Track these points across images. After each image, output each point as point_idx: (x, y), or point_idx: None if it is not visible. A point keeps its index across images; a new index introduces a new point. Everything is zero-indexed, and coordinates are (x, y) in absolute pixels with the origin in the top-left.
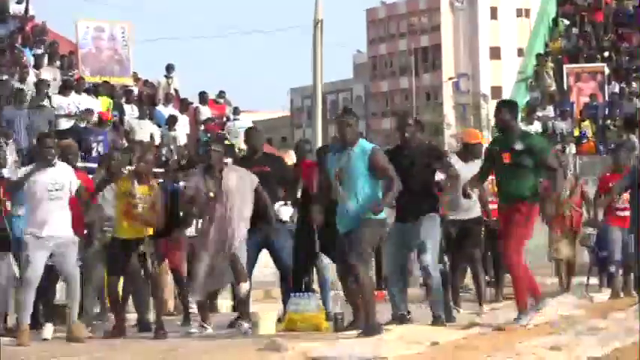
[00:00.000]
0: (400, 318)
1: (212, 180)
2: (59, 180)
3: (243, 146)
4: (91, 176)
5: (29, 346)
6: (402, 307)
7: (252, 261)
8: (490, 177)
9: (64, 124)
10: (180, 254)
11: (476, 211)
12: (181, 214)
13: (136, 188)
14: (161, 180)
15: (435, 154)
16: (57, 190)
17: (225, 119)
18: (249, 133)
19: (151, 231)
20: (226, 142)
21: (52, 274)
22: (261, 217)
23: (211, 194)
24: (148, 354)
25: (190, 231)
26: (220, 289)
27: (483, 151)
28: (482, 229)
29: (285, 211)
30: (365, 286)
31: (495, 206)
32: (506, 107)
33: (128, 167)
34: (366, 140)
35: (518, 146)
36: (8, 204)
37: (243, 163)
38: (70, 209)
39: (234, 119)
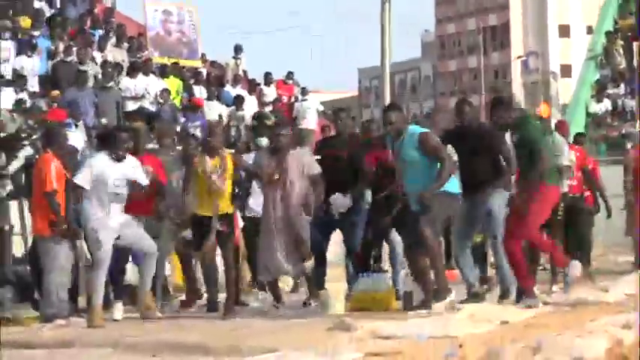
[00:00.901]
0: (475, 295)
1: (276, 162)
2: (126, 175)
3: (312, 126)
4: None
5: (103, 327)
6: (475, 283)
7: (322, 240)
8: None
9: (131, 105)
10: (237, 232)
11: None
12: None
13: (208, 164)
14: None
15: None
16: (121, 186)
17: (293, 99)
18: (337, 115)
19: (227, 209)
20: (267, 122)
21: (121, 254)
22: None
23: (276, 176)
24: (214, 334)
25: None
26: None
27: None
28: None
29: (341, 202)
30: (434, 252)
31: (572, 182)
32: (498, 106)
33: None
34: (418, 125)
35: (514, 138)
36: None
37: (325, 143)
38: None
39: (302, 100)
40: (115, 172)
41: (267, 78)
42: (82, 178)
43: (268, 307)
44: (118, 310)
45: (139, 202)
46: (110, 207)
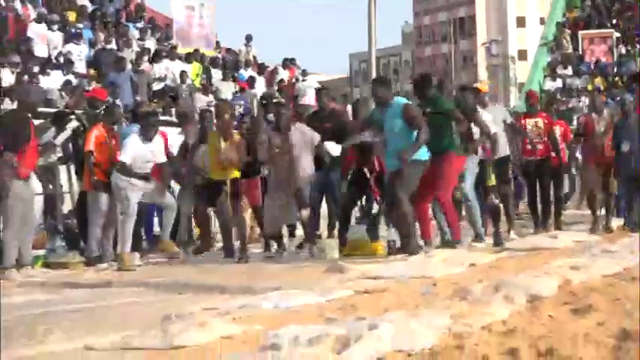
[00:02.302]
0: (447, 242)
1: (282, 138)
2: (154, 152)
3: (311, 102)
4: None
5: (134, 270)
6: (447, 232)
7: (317, 200)
8: (533, 120)
9: (156, 86)
10: (257, 193)
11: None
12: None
13: (221, 143)
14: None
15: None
16: (149, 161)
17: (294, 80)
18: (318, 93)
19: (236, 174)
20: (275, 100)
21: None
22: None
23: (277, 149)
24: (232, 275)
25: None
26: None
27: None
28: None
29: (334, 148)
30: (406, 214)
31: (539, 146)
32: (421, 82)
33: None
34: (403, 97)
35: (430, 109)
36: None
37: (313, 118)
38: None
39: (302, 80)
40: (144, 152)
41: (285, 62)
42: (126, 157)
43: (274, 253)
44: (136, 258)
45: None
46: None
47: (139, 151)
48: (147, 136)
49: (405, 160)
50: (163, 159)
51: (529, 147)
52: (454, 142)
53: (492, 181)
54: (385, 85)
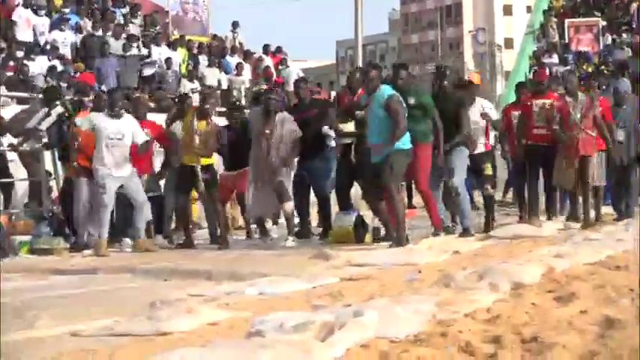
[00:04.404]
0: (446, 229)
1: (267, 121)
2: (121, 131)
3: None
4: None
5: (108, 255)
6: (446, 220)
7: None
8: (541, 101)
9: (147, 71)
10: (245, 183)
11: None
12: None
13: (195, 123)
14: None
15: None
16: (118, 139)
17: (279, 67)
18: (296, 84)
19: (209, 160)
20: (261, 88)
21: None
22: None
23: (267, 131)
24: (216, 262)
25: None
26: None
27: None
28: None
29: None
30: (396, 204)
31: (542, 131)
32: (401, 69)
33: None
34: (389, 87)
35: (411, 101)
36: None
37: (293, 110)
38: (143, 154)
39: (287, 67)
40: (111, 127)
41: (265, 48)
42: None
43: (258, 239)
44: (127, 244)
45: (140, 161)
46: (112, 155)
47: (107, 128)
48: (112, 111)
49: (383, 152)
50: (140, 140)
51: (536, 131)
52: (428, 136)
53: (489, 170)
54: (379, 70)
